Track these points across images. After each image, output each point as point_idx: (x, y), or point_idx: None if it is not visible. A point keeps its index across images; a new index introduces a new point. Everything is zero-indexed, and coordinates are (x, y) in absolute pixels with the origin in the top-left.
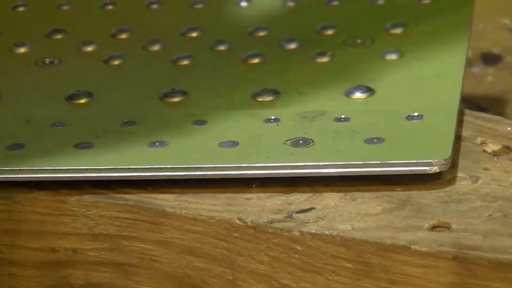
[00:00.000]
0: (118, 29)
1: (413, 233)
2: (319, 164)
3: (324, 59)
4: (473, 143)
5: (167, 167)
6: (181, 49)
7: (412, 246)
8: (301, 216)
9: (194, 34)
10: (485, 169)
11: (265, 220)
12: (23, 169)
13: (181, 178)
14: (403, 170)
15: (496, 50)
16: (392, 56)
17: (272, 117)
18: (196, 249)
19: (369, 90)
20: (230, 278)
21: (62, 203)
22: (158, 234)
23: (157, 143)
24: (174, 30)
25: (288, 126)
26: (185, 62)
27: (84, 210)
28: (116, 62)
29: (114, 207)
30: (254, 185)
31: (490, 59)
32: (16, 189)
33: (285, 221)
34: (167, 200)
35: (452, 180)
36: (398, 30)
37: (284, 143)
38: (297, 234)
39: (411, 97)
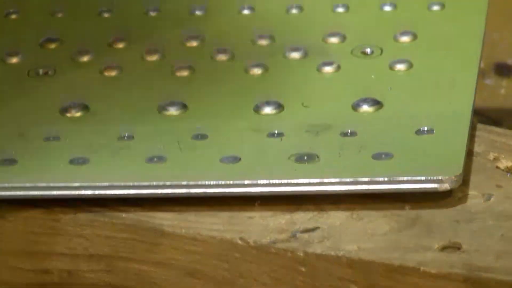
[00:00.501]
0: (115, 38)
1: (422, 253)
2: (324, 181)
3: (330, 70)
4: (485, 158)
5: (166, 185)
6: (180, 59)
7: (422, 267)
8: (305, 235)
9: (194, 43)
10: (498, 186)
11: (268, 240)
12: (15, 186)
13: (181, 196)
14: (412, 187)
15: (510, 61)
16: (401, 67)
17: (276, 131)
18: (196, 271)
19: (377, 103)
20: None
21: (56, 222)
22: (157, 254)
23: (155, 159)
24: (173, 39)
25: (293, 140)
26: (185, 72)
27: (79, 229)
28: (113, 72)
29: (111, 227)
30: (256, 203)
31: (503, 70)
32: (8, 207)
33: (289, 241)
34: (166, 219)
35: (463, 198)
36: (407, 39)
37: (288, 158)
38: (302, 254)
39: (421, 110)
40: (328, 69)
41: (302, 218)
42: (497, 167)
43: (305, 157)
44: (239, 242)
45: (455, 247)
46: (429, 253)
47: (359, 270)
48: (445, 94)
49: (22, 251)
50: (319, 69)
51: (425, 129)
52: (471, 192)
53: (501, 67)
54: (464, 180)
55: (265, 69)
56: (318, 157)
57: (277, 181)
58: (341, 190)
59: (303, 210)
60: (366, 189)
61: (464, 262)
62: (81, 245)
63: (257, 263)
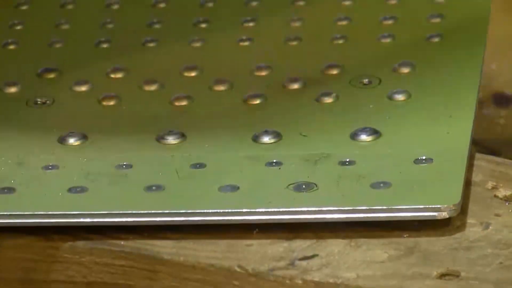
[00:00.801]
0: (114, 68)
1: (421, 281)
2: (323, 210)
3: (329, 100)
4: (484, 187)
5: (164, 213)
6: (179, 89)
7: None
8: (304, 263)
9: (192, 73)
10: (496, 215)
11: (267, 268)
12: (13, 214)
13: (179, 224)
14: (411, 215)
15: (508, 91)
16: (400, 97)
17: (274, 161)
18: None
19: (376, 133)
20: None
21: (55, 250)
22: (155, 282)
23: (154, 187)
24: (172, 69)
25: (291, 170)
26: (183, 102)
27: (77, 257)
28: (112, 102)
29: (109, 254)
30: (255, 231)
31: (502, 100)
32: (5, 234)
33: (287, 269)
34: (164, 247)
35: (461, 226)
36: (406, 70)
37: (287, 187)
38: (300, 282)
39: (419, 140)
40: (326, 99)
41: (301, 245)
42: (495, 196)
43: (304, 186)
44: (238, 269)
45: (453, 275)
46: (427, 281)
47: None
48: (444, 124)
49: (19, 278)
50: (318, 100)
51: (424, 158)
52: (470, 220)
53: (499, 98)
54: (463, 209)
55: (264, 99)
56: (316, 185)
57: (275, 209)
58: (339, 218)
59: (301, 238)
60: (364, 217)
61: None
62: (80, 272)
63: None
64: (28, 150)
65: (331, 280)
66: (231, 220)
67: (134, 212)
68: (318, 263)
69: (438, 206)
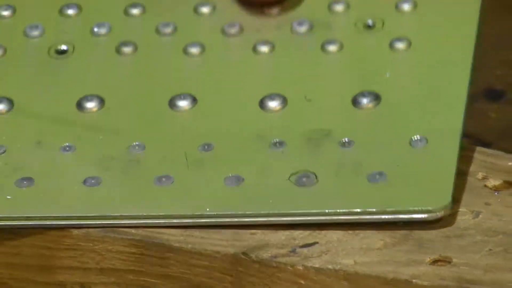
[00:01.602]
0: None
1: (415, 267)
2: (321, 212)
3: (334, 48)
4: (475, 178)
5: (173, 215)
6: (192, 36)
7: (414, 280)
8: (304, 250)
9: (205, 10)
10: (486, 204)
11: (270, 255)
12: (30, 217)
13: (187, 225)
14: (403, 217)
15: (498, 86)
16: (401, 45)
17: (278, 141)
18: (202, 283)
19: (376, 98)
20: None
21: (70, 238)
22: (165, 268)
23: (163, 179)
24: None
25: (293, 154)
26: (195, 50)
27: (91, 245)
28: (128, 49)
29: (121, 242)
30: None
31: (493, 95)
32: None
33: (289, 256)
34: (173, 235)
35: (453, 215)
36: (408, 9)
37: (288, 179)
38: (301, 268)
39: (417, 108)
40: (332, 48)
41: (302, 234)
42: (485, 186)
43: (304, 179)
44: (242, 256)
45: (445, 261)
46: (421, 267)
47: (355, 283)
48: (443, 76)
49: (38, 265)
50: (323, 47)
51: (419, 138)
52: (461, 209)
53: (490, 93)
54: (454, 198)
55: (272, 47)
56: (316, 177)
57: (276, 212)
58: (336, 219)
59: (302, 227)
60: (359, 219)
61: (454, 275)
62: (93, 259)
63: (259, 277)
64: (47, 122)
65: (330, 266)
66: (236, 221)
67: (144, 215)
68: (318, 250)
69: (430, 208)
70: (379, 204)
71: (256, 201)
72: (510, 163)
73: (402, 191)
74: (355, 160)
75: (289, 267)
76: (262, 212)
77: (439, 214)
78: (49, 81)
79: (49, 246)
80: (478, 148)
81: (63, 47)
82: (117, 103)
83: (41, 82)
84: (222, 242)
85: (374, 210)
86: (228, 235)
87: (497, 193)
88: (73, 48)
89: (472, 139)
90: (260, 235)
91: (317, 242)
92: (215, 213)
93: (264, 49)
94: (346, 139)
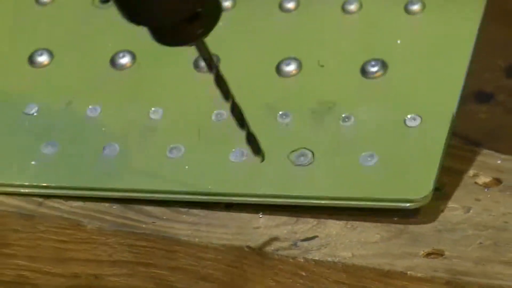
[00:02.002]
0: None
1: (409, 259)
2: (314, 196)
3: (353, 7)
4: (466, 175)
5: (182, 191)
6: None
7: (408, 272)
8: (305, 244)
9: None
10: (477, 200)
11: (272, 248)
12: (50, 186)
13: (194, 200)
14: (387, 205)
15: (488, 89)
16: (415, 8)
17: (285, 113)
18: (208, 275)
19: (383, 67)
20: None
21: (84, 232)
22: (173, 261)
23: (174, 150)
24: None
25: (296, 127)
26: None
27: (104, 238)
28: None
29: (132, 236)
30: (259, 215)
31: (482, 97)
32: (41, 219)
33: (291, 249)
34: (181, 229)
35: (446, 210)
36: None
37: (288, 157)
38: (302, 260)
39: (417, 83)
40: (350, 7)
41: (302, 228)
42: (476, 183)
43: (302, 158)
44: (246, 249)
45: (438, 254)
46: (415, 259)
47: (352, 275)
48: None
49: (54, 258)
50: (343, 8)
51: (413, 117)
52: (453, 205)
53: (480, 95)
54: (447, 195)
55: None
56: (313, 155)
57: (274, 193)
58: (326, 203)
59: (303, 221)
60: (343, 204)
61: (446, 267)
62: (106, 252)
63: (262, 268)
64: (79, 80)
65: (329, 259)
66: (235, 200)
67: (157, 189)
68: (318, 244)
69: (411, 198)
70: (365, 190)
71: (258, 178)
72: (499, 162)
73: (388, 178)
74: (351, 138)
75: (290, 260)
76: (258, 193)
77: (419, 204)
78: (88, 32)
79: (65, 240)
80: (469, 147)
81: None
82: (147, 60)
83: (80, 33)
84: (228, 236)
85: (359, 196)
86: (233, 229)
87: (487, 189)
88: None
89: (463, 138)
90: (263, 229)
91: (317, 236)
92: (220, 192)
93: (290, 5)
94: (347, 116)
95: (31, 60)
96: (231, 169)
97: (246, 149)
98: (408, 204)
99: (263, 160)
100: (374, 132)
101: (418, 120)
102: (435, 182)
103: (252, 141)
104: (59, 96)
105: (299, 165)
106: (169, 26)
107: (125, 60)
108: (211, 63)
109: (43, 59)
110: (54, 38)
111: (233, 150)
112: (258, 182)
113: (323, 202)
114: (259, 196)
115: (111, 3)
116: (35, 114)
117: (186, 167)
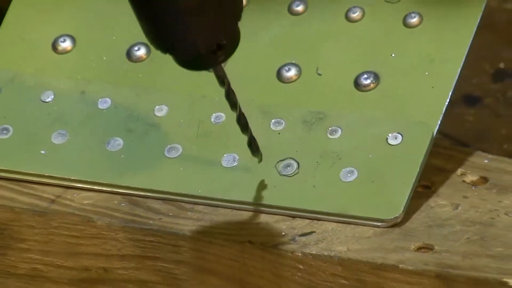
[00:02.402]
0: None
1: (401, 253)
2: (294, 208)
3: (356, 15)
4: (454, 174)
5: (163, 191)
6: None
7: (400, 265)
8: (303, 239)
9: None
10: (465, 197)
11: (272, 243)
12: (56, 177)
13: (195, 203)
14: (359, 222)
15: (476, 93)
16: (413, 21)
17: (278, 120)
18: (211, 268)
19: (375, 80)
20: None
21: (94, 228)
22: (178, 255)
23: (172, 150)
24: None
25: (287, 136)
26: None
27: (113, 234)
28: None
29: (140, 231)
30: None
31: (471, 100)
32: (53, 216)
33: (289, 244)
34: (186, 225)
35: (435, 207)
36: None
37: (275, 166)
38: (300, 255)
39: (404, 99)
40: (353, 14)
41: (300, 224)
42: (464, 181)
43: (288, 168)
44: (248, 244)
45: (428, 248)
46: (406, 253)
47: (348, 268)
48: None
49: (66, 252)
50: (346, 16)
51: (394, 135)
52: (442, 202)
53: (468, 98)
54: (437, 192)
55: (306, 5)
56: (298, 166)
57: (261, 202)
58: (305, 215)
59: (300, 217)
60: (321, 217)
61: (436, 261)
62: (115, 246)
63: (262, 262)
64: (95, 69)
65: (325, 253)
66: (221, 205)
67: (158, 189)
68: (315, 239)
69: (382, 218)
70: (341, 207)
71: (246, 186)
72: (485, 161)
73: (363, 196)
74: (336, 151)
75: (289, 254)
76: (244, 200)
77: (390, 224)
78: (109, 20)
79: (76, 235)
80: (458, 148)
81: None
82: (158, 55)
83: (102, 21)
84: (230, 232)
85: (335, 212)
86: (235, 225)
87: (474, 187)
88: None
89: (451, 139)
90: (264, 225)
91: (314, 231)
92: (204, 195)
93: (299, 8)
94: (334, 127)
95: (54, 46)
96: (221, 174)
97: (238, 155)
98: (379, 224)
99: (260, 161)
100: (357, 147)
101: (400, 139)
102: (407, 204)
103: (252, 144)
104: (75, 85)
105: (285, 175)
106: (195, 57)
107: (140, 52)
108: (225, 80)
109: (66, 44)
110: (77, 25)
111: (225, 155)
112: (244, 190)
113: (302, 214)
114: (244, 203)
115: None
116: (50, 101)
117: (181, 168)
